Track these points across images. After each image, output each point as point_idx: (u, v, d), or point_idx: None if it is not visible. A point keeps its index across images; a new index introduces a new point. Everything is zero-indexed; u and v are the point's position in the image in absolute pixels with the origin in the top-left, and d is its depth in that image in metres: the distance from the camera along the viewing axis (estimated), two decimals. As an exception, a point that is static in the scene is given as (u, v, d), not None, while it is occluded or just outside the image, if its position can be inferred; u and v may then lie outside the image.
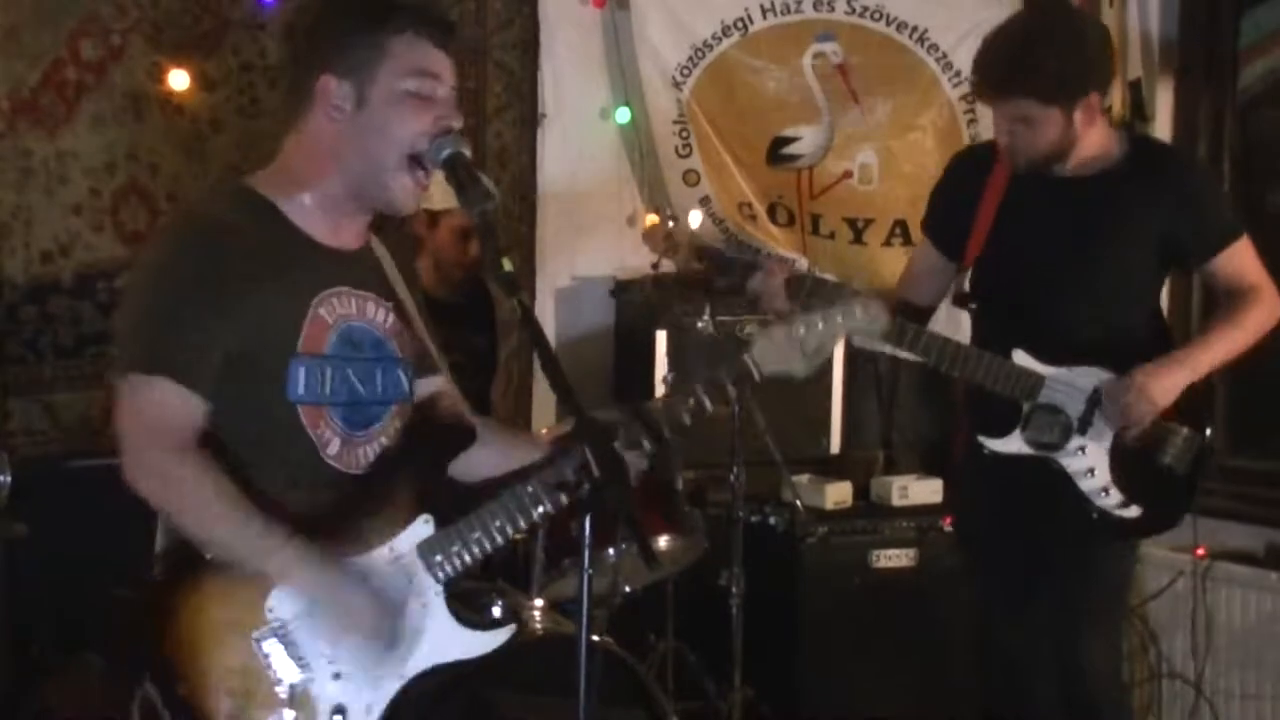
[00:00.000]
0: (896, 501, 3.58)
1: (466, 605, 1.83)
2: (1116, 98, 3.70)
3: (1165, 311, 3.37)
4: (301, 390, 1.76)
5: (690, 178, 3.97)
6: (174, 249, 1.79)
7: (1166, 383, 2.46)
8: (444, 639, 1.77)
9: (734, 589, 3.14)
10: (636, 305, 3.72)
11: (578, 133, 3.91)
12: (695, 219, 3.65)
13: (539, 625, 2.60)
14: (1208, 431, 2.56)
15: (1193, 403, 2.51)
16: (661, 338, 3.56)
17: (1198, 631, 3.45)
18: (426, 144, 1.76)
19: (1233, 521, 3.49)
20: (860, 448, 3.98)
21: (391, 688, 1.74)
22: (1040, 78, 2.40)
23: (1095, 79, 2.47)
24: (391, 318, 1.88)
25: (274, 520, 1.70)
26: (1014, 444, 2.52)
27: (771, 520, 3.46)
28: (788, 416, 3.55)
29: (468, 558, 1.78)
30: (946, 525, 3.48)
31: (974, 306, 2.59)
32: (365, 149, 1.77)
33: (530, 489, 1.79)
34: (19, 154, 3.28)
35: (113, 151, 3.38)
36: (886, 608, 3.44)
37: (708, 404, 1.87)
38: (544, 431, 2.86)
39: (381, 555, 1.76)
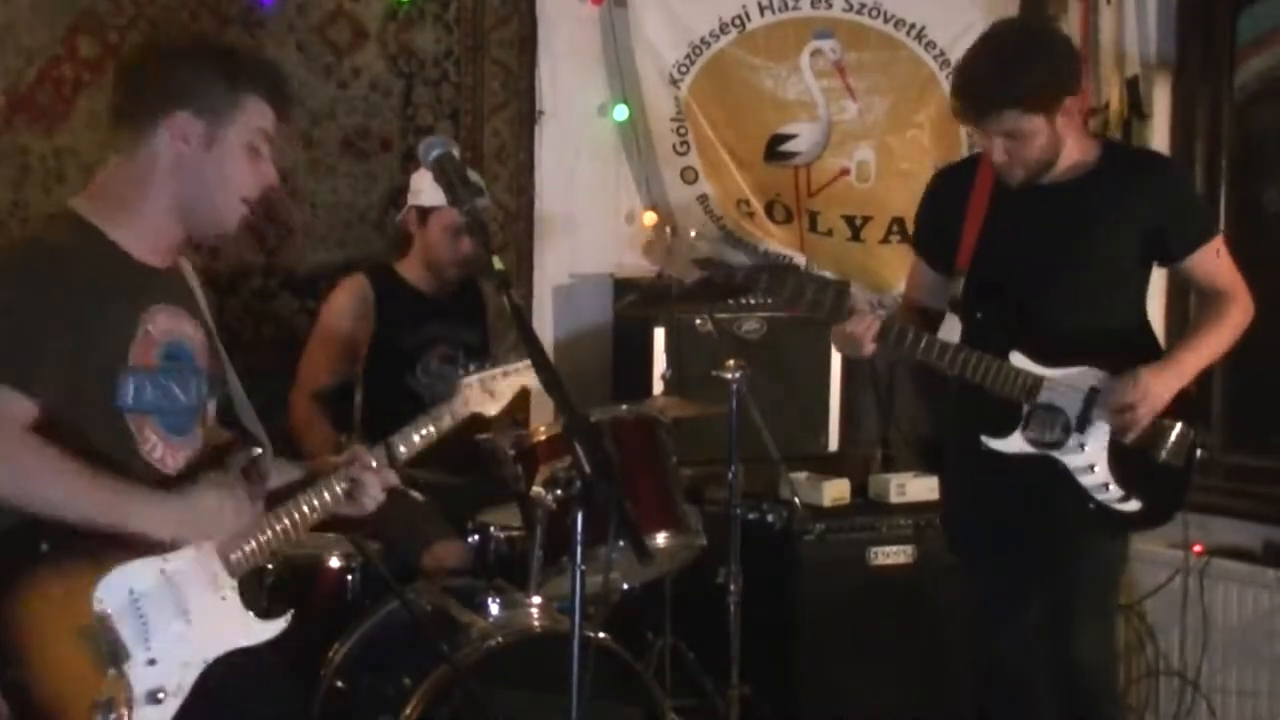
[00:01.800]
0: (894, 499, 3.58)
1: (254, 595, 2.07)
2: (1114, 95, 3.70)
3: (1162, 312, 3.41)
4: (130, 400, 1.94)
5: (688, 175, 3.97)
6: (9, 275, 1.94)
7: (1167, 386, 2.52)
8: (236, 627, 1.99)
9: (731, 586, 3.14)
10: (635, 302, 3.72)
11: (575, 130, 3.91)
12: (689, 224, 3.66)
13: (537, 623, 2.60)
14: (1192, 434, 2.58)
15: (1185, 399, 2.57)
16: (659, 335, 3.57)
17: (1195, 628, 3.45)
18: (255, 193, 2.03)
19: (1230, 518, 3.50)
20: (858, 445, 3.98)
21: (196, 670, 1.93)
22: (1021, 87, 2.45)
23: (1069, 83, 2.52)
24: (200, 334, 2.08)
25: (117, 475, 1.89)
26: (1015, 443, 2.57)
27: (769, 518, 3.46)
28: (785, 413, 3.55)
29: (260, 557, 2.02)
30: (944, 522, 3.48)
31: (980, 316, 2.62)
32: (205, 182, 1.99)
33: (304, 498, 2.06)
34: (16, 151, 3.28)
35: (110, 149, 3.38)
36: (884, 605, 3.44)
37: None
38: (540, 429, 2.86)
39: (188, 553, 1.95)
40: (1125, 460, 2.55)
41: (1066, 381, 2.54)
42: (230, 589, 1.98)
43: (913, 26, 3.93)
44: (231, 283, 3.58)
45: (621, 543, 2.60)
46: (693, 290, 3.19)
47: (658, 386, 3.49)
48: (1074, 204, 2.56)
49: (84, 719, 1.77)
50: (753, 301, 3.61)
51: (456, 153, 1.88)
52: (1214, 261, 2.63)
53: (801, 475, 3.57)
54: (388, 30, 3.72)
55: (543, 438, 2.83)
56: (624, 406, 2.90)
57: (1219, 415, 3.59)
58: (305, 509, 2.06)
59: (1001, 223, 2.61)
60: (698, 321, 3.37)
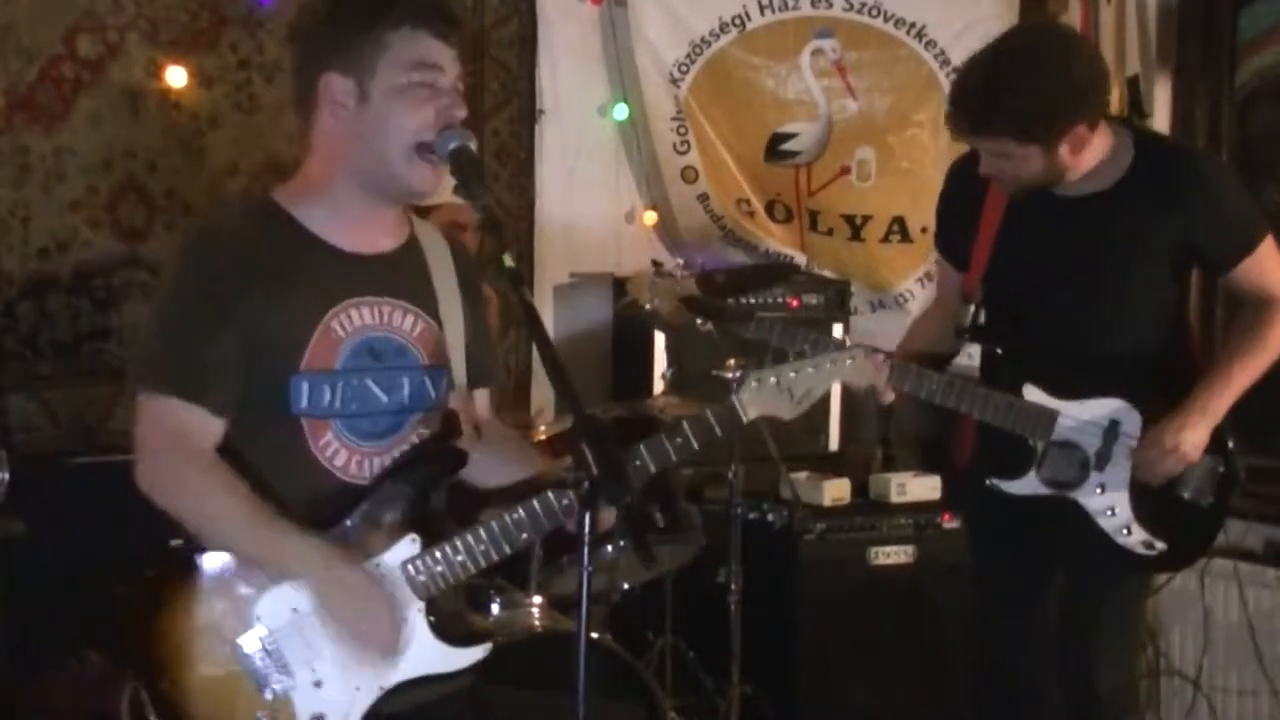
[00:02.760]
0: (895, 498, 3.57)
1: (450, 618, 1.86)
2: (1115, 94, 3.69)
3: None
4: (305, 404, 1.78)
5: (688, 174, 3.96)
6: (182, 265, 1.83)
7: (1196, 437, 2.34)
8: (422, 653, 1.80)
9: (732, 586, 3.14)
10: (635, 301, 3.70)
11: (576, 130, 3.91)
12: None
13: (537, 622, 2.60)
14: (1230, 444, 2.44)
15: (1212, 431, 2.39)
16: (660, 335, 3.56)
17: (1196, 628, 3.45)
18: (433, 135, 1.77)
19: (1233, 518, 3.47)
20: (858, 444, 3.98)
21: (369, 698, 1.77)
22: (1011, 119, 2.22)
23: (1079, 111, 2.25)
24: (421, 324, 1.87)
25: (293, 522, 1.74)
26: (1029, 485, 2.38)
27: (769, 517, 3.46)
28: (786, 413, 3.54)
29: (450, 578, 1.81)
30: (945, 522, 3.48)
31: (992, 345, 2.43)
32: (371, 143, 1.78)
33: (517, 517, 1.81)
34: (16, 151, 3.28)
35: (110, 148, 3.38)
36: (885, 605, 3.43)
37: (694, 443, 1.89)
38: (542, 429, 2.86)
39: (366, 567, 1.78)
40: (1149, 500, 2.36)
41: (1084, 415, 2.34)
42: (416, 610, 1.78)
43: (913, 25, 3.93)
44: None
45: (623, 542, 2.62)
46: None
47: (658, 386, 3.49)
48: (1098, 219, 2.33)
49: None
50: (753, 300, 3.60)
51: (474, 146, 1.78)
52: (1261, 271, 2.37)
53: (802, 475, 3.56)
54: (388, 30, 3.71)
55: (543, 437, 2.83)
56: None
57: (1220, 414, 3.58)
58: (515, 541, 1.80)
59: (1017, 237, 2.39)
60: (698, 321, 3.37)
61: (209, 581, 1.75)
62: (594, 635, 2.55)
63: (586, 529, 1.58)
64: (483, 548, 1.80)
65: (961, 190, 2.50)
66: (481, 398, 2.02)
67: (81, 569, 3.02)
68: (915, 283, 4.04)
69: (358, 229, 1.83)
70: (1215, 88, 3.62)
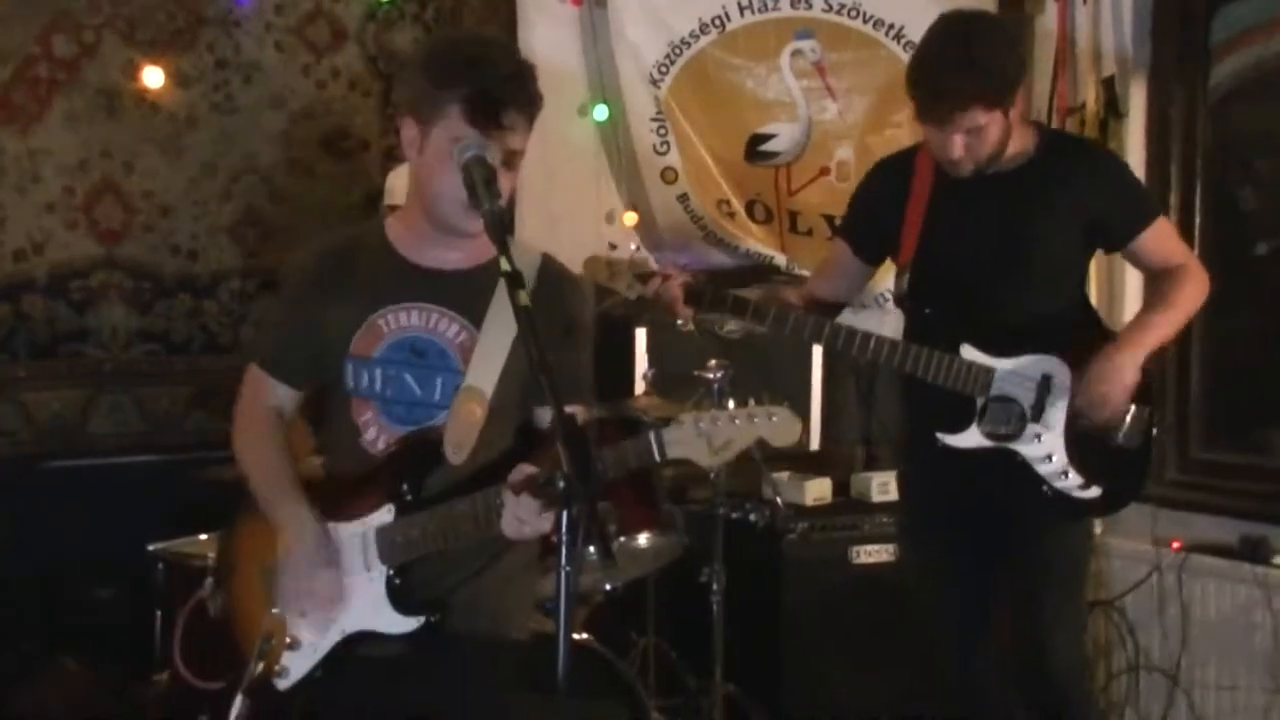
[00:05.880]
0: (876, 497, 3.59)
1: (413, 586, 2.04)
2: (1090, 95, 3.72)
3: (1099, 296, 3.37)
4: (351, 385, 2.08)
5: (668, 175, 3.97)
6: (291, 265, 2.21)
7: (1133, 362, 2.52)
8: (373, 611, 2.03)
9: (714, 585, 3.14)
10: (616, 302, 3.71)
11: (555, 130, 3.90)
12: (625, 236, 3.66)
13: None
14: (1148, 414, 2.58)
15: (1141, 381, 2.56)
16: (641, 335, 3.57)
17: (1174, 624, 3.48)
18: (462, 201, 1.94)
19: (1208, 514, 3.52)
20: (840, 443, 3.99)
21: (333, 638, 2.04)
22: (990, 85, 2.44)
23: (1022, 76, 2.55)
24: (465, 334, 2.06)
25: (299, 493, 2.06)
26: (972, 438, 2.56)
27: (752, 517, 3.46)
28: (767, 413, 3.55)
29: (421, 546, 2.00)
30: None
31: (928, 311, 2.61)
32: (426, 185, 2.03)
33: (500, 500, 1.91)
34: (-9, 152, 3.26)
35: (87, 149, 3.37)
36: (867, 603, 3.45)
37: (609, 473, 1.94)
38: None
39: (353, 527, 2.05)
40: (1083, 446, 2.55)
41: (1019, 371, 2.54)
42: (379, 572, 2.02)
43: (891, 27, 3.94)
44: (211, 284, 3.56)
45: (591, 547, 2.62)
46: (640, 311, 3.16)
47: (639, 386, 3.49)
48: (1016, 194, 2.56)
49: (251, 642, 2.02)
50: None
51: (490, 158, 1.91)
52: (1161, 241, 2.63)
53: (783, 474, 3.58)
54: (367, 30, 3.72)
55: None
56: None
57: (1196, 411, 3.61)
58: (461, 517, 1.95)
59: (945, 216, 2.60)
60: (679, 321, 3.37)
61: (260, 514, 2.10)
62: (576, 636, 2.55)
63: (564, 528, 1.60)
64: (463, 527, 1.96)
65: (887, 183, 2.72)
66: (541, 414, 2.11)
67: (59, 571, 3.02)
68: (894, 282, 4.05)
69: (429, 247, 2.08)
70: (1190, 89, 3.65)
